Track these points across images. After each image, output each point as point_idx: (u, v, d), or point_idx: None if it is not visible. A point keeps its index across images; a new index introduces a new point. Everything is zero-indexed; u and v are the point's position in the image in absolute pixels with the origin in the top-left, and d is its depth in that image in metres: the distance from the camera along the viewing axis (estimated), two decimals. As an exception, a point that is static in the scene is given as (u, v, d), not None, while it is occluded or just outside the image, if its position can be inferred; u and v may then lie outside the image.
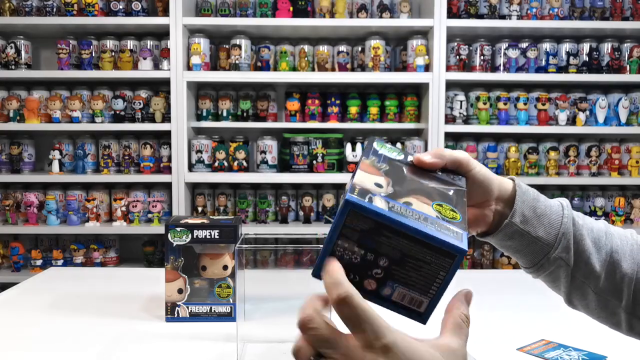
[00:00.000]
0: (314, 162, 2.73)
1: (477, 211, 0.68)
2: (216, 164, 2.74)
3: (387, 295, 0.53)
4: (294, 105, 2.79)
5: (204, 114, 2.82)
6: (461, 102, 2.77)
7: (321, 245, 0.60)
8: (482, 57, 2.80)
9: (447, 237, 0.50)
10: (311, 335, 0.47)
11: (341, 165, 2.78)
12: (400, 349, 0.47)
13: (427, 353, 0.48)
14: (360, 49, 2.84)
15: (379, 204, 0.50)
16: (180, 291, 1.01)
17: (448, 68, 2.75)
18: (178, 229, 0.99)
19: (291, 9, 2.71)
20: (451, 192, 0.60)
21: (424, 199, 0.55)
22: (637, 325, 0.69)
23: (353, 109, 2.79)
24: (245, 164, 2.76)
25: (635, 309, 0.69)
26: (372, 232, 0.50)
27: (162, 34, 2.76)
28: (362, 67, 2.83)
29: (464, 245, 0.50)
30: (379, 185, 0.54)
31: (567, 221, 0.68)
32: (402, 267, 0.51)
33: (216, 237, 0.99)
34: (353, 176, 0.55)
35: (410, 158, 0.64)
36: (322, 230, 2.64)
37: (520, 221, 0.68)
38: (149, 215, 2.78)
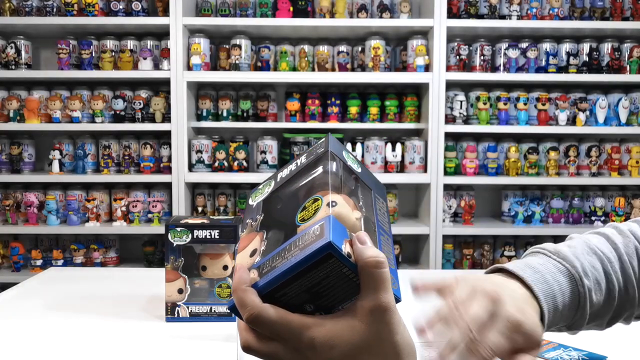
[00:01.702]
0: (314, 162, 2.72)
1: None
2: (216, 164, 2.74)
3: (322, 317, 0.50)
4: (294, 105, 2.79)
5: (204, 114, 2.82)
6: (461, 102, 2.77)
7: None
8: (482, 57, 2.80)
9: (307, 251, 0.46)
10: (258, 356, 0.50)
11: (341, 165, 2.78)
12: (322, 339, 0.47)
13: (348, 329, 0.47)
14: (360, 49, 2.84)
15: (254, 278, 0.49)
16: (180, 291, 1.01)
17: (448, 68, 2.75)
18: (178, 229, 0.99)
19: (291, 9, 2.71)
20: (320, 176, 0.55)
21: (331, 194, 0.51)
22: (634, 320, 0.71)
23: (353, 109, 2.79)
24: (245, 164, 2.76)
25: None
26: (272, 300, 0.48)
27: (162, 34, 2.76)
28: (362, 67, 2.83)
29: (324, 239, 0.46)
30: (253, 253, 0.52)
31: (585, 302, 0.65)
32: (322, 298, 0.49)
33: (216, 237, 0.99)
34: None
35: (279, 174, 0.60)
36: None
37: (547, 326, 0.63)
38: (149, 215, 2.78)
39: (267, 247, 0.51)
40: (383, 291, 0.47)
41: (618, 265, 0.69)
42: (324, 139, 0.61)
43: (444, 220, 2.73)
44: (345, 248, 0.47)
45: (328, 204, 0.50)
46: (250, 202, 0.60)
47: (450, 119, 2.79)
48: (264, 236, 0.53)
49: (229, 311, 1.01)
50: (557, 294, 0.64)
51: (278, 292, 0.48)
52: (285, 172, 0.60)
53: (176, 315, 1.01)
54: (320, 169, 0.56)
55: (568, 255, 0.66)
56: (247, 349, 0.50)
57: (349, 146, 2.73)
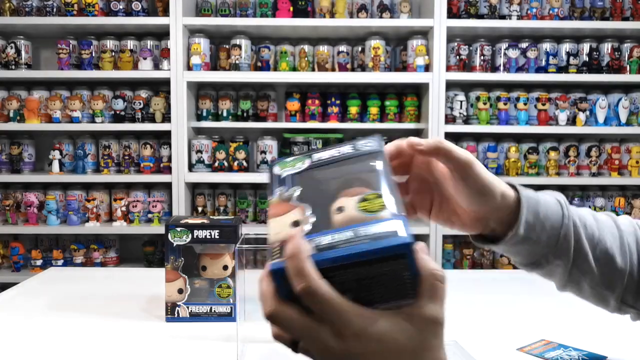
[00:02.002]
0: (314, 162, 2.72)
1: (476, 218, 0.66)
2: (216, 164, 2.74)
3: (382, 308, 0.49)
4: (294, 105, 2.79)
5: (204, 114, 2.82)
6: (461, 102, 2.77)
7: None
8: (482, 57, 2.80)
9: (382, 243, 0.45)
10: (282, 329, 0.47)
11: (341, 165, 2.78)
12: (370, 334, 0.45)
13: (399, 331, 0.46)
14: (360, 49, 2.84)
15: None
16: (180, 291, 1.00)
17: (448, 68, 2.74)
18: (178, 229, 0.99)
19: (291, 9, 2.71)
20: (371, 171, 0.55)
21: (351, 193, 0.51)
22: (624, 308, 0.73)
23: (353, 109, 2.79)
24: (245, 164, 2.76)
25: (625, 297, 0.72)
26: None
27: (162, 34, 2.76)
28: (362, 67, 2.83)
29: (405, 238, 0.46)
30: (296, 224, 0.50)
31: (568, 222, 0.69)
32: (367, 292, 0.47)
33: (216, 237, 0.99)
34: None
35: (316, 155, 0.59)
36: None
37: (525, 229, 0.67)
38: (149, 215, 2.78)
39: (318, 225, 0.49)
40: (441, 305, 0.47)
41: (613, 231, 0.72)
42: (373, 137, 0.62)
43: (444, 220, 2.72)
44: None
45: (395, 204, 0.50)
46: (276, 171, 0.58)
47: (450, 119, 2.79)
48: (308, 211, 0.51)
49: (228, 311, 1.01)
50: (540, 204, 0.67)
51: (331, 273, 0.46)
52: (324, 155, 0.59)
53: (176, 315, 1.01)
54: (373, 165, 0.56)
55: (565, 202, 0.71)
56: (275, 317, 0.47)
57: (349, 146, 2.72)
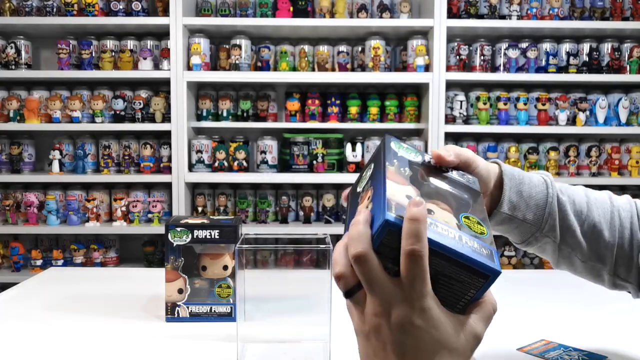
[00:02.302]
0: (314, 162, 2.73)
1: None
2: (216, 164, 2.74)
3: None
4: (294, 105, 2.79)
5: (204, 114, 2.82)
6: (461, 102, 2.77)
7: (320, 245, 0.69)
8: (482, 57, 2.80)
9: (482, 258, 0.49)
10: (362, 271, 0.48)
11: (341, 165, 2.78)
12: (435, 317, 0.48)
13: (453, 330, 0.49)
14: (360, 49, 2.84)
15: None
16: (180, 291, 1.00)
17: (448, 68, 2.74)
18: (178, 229, 0.99)
19: (291, 9, 2.71)
20: (467, 197, 0.59)
21: (444, 206, 0.54)
22: (619, 282, 0.77)
23: (353, 109, 2.79)
24: (245, 164, 2.76)
25: (617, 271, 0.76)
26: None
27: (162, 34, 2.76)
28: (362, 67, 2.83)
29: (497, 266, 0.49)
30: (409, 198, 0.52)
31: (552, 201, 0.73)
32: (433, 284, 0.49)
33: (216, 237, 0.99)
34: (379, 184, 0.53)
35: (426, 157, 0.63)
36: (322, 230, 2.64)
37: (509, 208, 0.72)
38: (149, 215, 2.78)
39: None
40: (486, 329, 0.51)
41: (604, 207, 0.75)
42: (475, 180, 0.65)
43: (444, 220, 2.72)
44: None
45: (492, 241, 0.53)
46: (393, 146, 0.61)
47: (450, 119, 2.79)
48: (419, 193, 0.54)
49: (228, 311, 1.01)
50: (524, 183, 0.72)
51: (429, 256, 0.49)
52: (432, 162, 0.63)
53: (176, 315, 1.01)
54: (474, 198, 0.60)
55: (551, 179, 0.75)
56: (364, 258, 0.48)
57: (349, 146, 2.72)
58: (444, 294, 0.50)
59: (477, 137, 2.87)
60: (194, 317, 1.01)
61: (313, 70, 2.83)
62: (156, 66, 2.78)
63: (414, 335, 0.48)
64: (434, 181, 0.59)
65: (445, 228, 0.50)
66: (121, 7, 2.70)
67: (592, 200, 0.76)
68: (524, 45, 2.81)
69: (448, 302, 0.51)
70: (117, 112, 2.77)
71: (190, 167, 2.76)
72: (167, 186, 2.75)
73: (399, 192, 0.52)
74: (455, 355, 0.49)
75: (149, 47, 2.78)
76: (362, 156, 2.76)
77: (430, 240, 0.48)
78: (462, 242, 0.50)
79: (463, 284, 0.50)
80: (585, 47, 2.84)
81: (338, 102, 2.81)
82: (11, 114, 2.76)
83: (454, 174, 0.63)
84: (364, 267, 0.48)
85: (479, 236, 0.52)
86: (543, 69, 2.80)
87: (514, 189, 0.72)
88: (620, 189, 2.89)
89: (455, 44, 2.80)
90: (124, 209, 2.75)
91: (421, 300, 0.48)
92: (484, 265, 0.49)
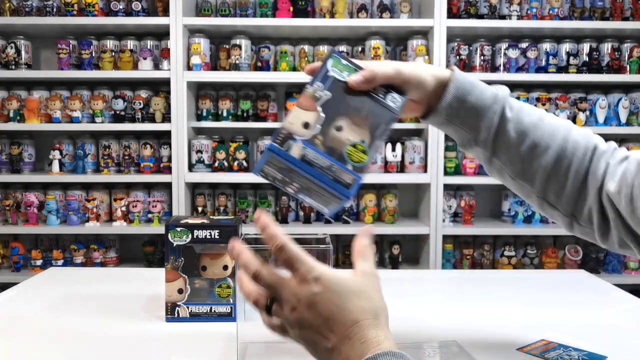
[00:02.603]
0: (314, 162, 2.72)
1: (416, 103, 0.79)
2: (216, 164, 2.74)
3: (301, 197, 0.72)
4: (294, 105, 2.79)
5: (204, 114, 2.82)
6: (461, 102, 2.77)
7: (320, 245, 0.81)
8: (482, 57, 2.80)
9: (338, 187, 0.67)
10: (262, 285, 0.62)
11: (341, 165, 2.78)
12: (328, 278, 0.60)
13: (350, 279, 0.61)
14: (360, 49, 2.84)
15: (295, 152, 0.67)
16: (180, 291, 1.00)
17: (448, 68, 2.74)
18: (178, 229, 0.99)
19: (291, 9, 2.71)
20: (378, 120, 0.72)
21: (358, 120, 0.70)
22: (547, 208, 0.80)
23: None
24: (245, 164, 2.76)
25: (547, 195, 0.79)
26: (287, 169, 0.68)
27: (162, 34, 2.76)
28: (362, 67, 2.83)
29: (348, 193, 0.67)
30: (306, 126, 0.69)
31: (493, 116, 0.77)
32: (308, 190, 0.69)
33: (216, 237, 0.99)
34: (290, 111, 0.70)
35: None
36: (322, 230, 2.64)
37: (447, 114, 0.78)
38: (149, 215, 2.78)
39: (320, 133, 0.69)
40: (372, 262, 0.65)
41: (556, 135, 0.77)
42: (403, 97, 0.77)
43: (444, 220, 2.73)
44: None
45: (367, 163, 0.69)
46: (328, 64, 0.74)
47: (450, 119, 2.79)
48: (320, 120, 0.70)
49: (228, 311, 1.01)
50: (472, 93, 0.77)
51: (294, 172, 0.68)
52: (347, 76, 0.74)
53: (176, 315, 1.01)
54: (384, 119, 0.72)
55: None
56: (259, 274, 0.62)
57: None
58: (316, 197, 0.70)
59: (477, 137, 2.87)
60: (194, 317, 1.01)
61: (313, 70, 2.82)
62: (156, 66, 2.78)
63: (322, 300, 0.59)
64: (355, 99, 0.72)
65: (316, 156, 0.67)
66: (121, 7, 2.70)
67: (544, 124, 0.78)
68: (524, 45, 2.81)
69: (322, 201, 0.70)
70: (117, 112, 2.77)
71: (190, 167, 2.75)
72: (167, 186, 2.75)
73: (300, 119, 0.69)
74: (363, 295, 0.61)
75: (149, 47, 2.78)
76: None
77: (298, 167, 0.66)
78: (329, 170, 0.67)
79: (327, 196, 0.69)
80: (585, 47, 2.84)
81: (338, 102, 2.81)
82: (11, 114, 2.76)
83: (379, 92, 0.73)
84: (262, 281, 0.62)
85: (354, 164, 0.68)
86: (543, 69, 2.80)
87: (459, 96, 0.77)
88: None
89: (455, 44, 2.81)
90: (124, 209, 2.75)
91: (309, 274, 0.60)
92: (335, 191, 0.67)
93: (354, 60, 0.76)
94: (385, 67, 0.74)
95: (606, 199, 0.75)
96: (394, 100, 0.74)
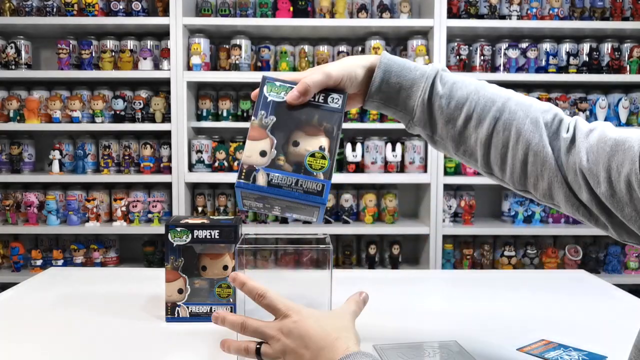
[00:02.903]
0: (314, 162, 2.72)
1: (355, 94, 0.82)
2: (216, 164, 2.74)
3: (288, 215, 0.79)
4: (294, 105, 2.79)
5: (204, 114, 2.82)
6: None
7: (320, 245, 0.81)
8: (482, 57, 2.81)
9: (311, 197, 0.72)
10: (250, 333, 0.74)
11: (341, 165, 2.79)
12: (305, 310, 0.73)
13: (324, 311, 0.75)
14: (360, 49, 2.84)
15: (260, 181, 0.72)
16: (180, 291, 1.00)
17: (448, 68, 2.73)
18: (178, 229, 0.99)
19: (291, 9, 2.71)
20: (328, 122, 0.76)
21: (311, 131, 0.74)
22: (498, 181, 0.80)
23: (353, 109, 2.79)
24: (245, 164, 2.75)
25: (491, 169, 0.78)
26: (261, 197, 0.74)
27: (162, 34, 2.76)
28: (362, 67, 2.83)
29: (322, 200, 0.72)
30: (263, 154, 0.73)
31: (421, 93, 0.78)
32: (289, 208, 0.75)
33: (216, 237, 0.99)
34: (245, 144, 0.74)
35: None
36: (322, 230, 2.64)
37: (379, 97, 0.80)
38: (149, 215, 2.78)
39: (274, 161, 0.73)
40: (353, 310, 0.79)
41: (491, 107, 0.76)
42: (342, 94, 0.79)
43: (444, 220, 2.73)
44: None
45: (330, 167, 0.74)
46: (265, 90, 0.77)
47: (450, 119, 2.79)
48: (274, 144, 0.74)
49: (228, 311, 1.01)
50: (401, 75, 0.79)
51: (268, 197, 0.73)
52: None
53: (176, 315, 1.01)
54: (332, 121, 0.76)
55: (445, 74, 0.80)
56: (244, 324, 0.74)
57: (349, 146, 2.72)
58: (298, 212, 0.76)
59: (477, 137, 2.87)
60: (194, 317, 1.01)
61: (313, 70, 2.82)
62: (156, 66, 2.78)
63: (299, 326, 0.70)
64: (301, 112, 0.76)
65: (281, 177, 0.72)
66: (121, 7, 2.70)
67: (479, 97, 0.76)
68: (524, 45, 2.81)
69: (305, 214, 0.77)
70: (117, 112, 2.77)
71: (190, 167, 2.76)
72: (167, 186, 2.75)
73: (256, 149, 0.73)
74: (335, 316, 0.74)
75: (149, 47, 2.78)
76: (362, 156, 2.76)
77: (269, 192, 0.72)
78: (297, 186, 0.72)
79: (307, 208, 0.74)
80: (585, 47, 2.84)
81: (338, 102, 2.81)
82: (11, 114, 2.76)
83: (319, 98, 0.77)
84: (248, 329, 0.74)
85: (318, 171, 0.73)
86: (543, 69, 2.80)
87: (386, 79, 0.79)
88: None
89: (455, 44, 2.81)
90: (124, 209, 2.75)
91: (288, 310, 0.72)
92: (311, 202, 0.72)
93: (285, 78, 0.79)
94: (315, 76, 0.76)
95: (574, 175, 0.70)
96: (334, 100, 0.77)
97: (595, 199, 0.69)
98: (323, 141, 0.74)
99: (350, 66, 0.79)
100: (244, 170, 0.72)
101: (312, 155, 0.73)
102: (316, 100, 0.77)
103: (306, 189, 0.72)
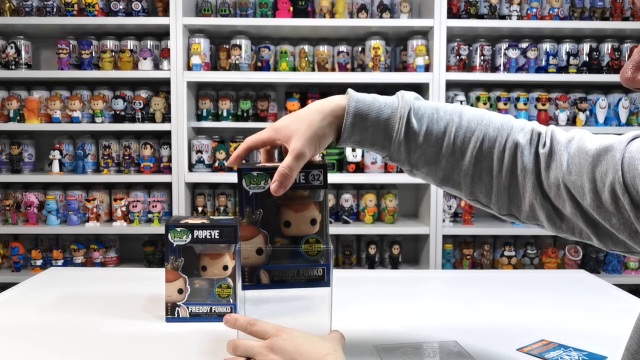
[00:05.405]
0: (314, 162, 2.73)
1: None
2: (216, 164, 2.74)
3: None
4: (294, 105, 2.79)
5: (204, 114, 2.82)
6: (461, 102, 2.77)
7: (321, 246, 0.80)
8: (482, 57, 2.81)
9: (313, 284, 0.75)
10: (241, 352, 0.77)
11: (341, 165, 2.79)
12: (294, 330, 0.75)
13: (312, 334, 0.76)
14: (360, 49, 2.84)
15: (264, 279, 0.76)
16: (180, 291, 1.00)
17: (448, 68, 2.74)
18: (178, 229, 0.99)
19: (291, 9, 2.71)
20: (314, 196, 0.77)
21: (298, 208, 0.75)
22: (484, 208, 0.79)
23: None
24: (245, 164, 2.75)
25: (476, 196, 0.77)
26: (268, 286, 0.77)
27: (162, 34, 2.76)
28: (362, 67, 2.83)
29: (326, 284, 0.76)
30: (259, 252, 0.75)
31: (396, 134, 0.76)
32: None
33: (216, 237, 0.99)
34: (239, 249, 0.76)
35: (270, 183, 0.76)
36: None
37: (353, 142, 0.78)
38: (149, 215, 2.78)
39: (273, 257, 0.75)
40: (336, 339, 0.81)
41: (470, 132, 0.76)
42: (320, 172, 0.78)
43: (444, 220, 2.73)
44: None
45: (327, 253, 0.77)
46: (244, 184, 0.76)
47: (450, 119, 2.78)
48: (267, 239, 0.75)
49: (228, 311, 1.01)
50: (369, 118, 0.76)
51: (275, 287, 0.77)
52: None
53: (176, 315, 1.01)
54: (318, 197, 0.77)
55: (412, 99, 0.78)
56: (237, 344, 0.78)
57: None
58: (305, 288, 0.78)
59: (477, 137, 2.87)
60: (194, 317, 1.01)
61: (313, 70, 2.83)
62: (156, 66, 2.78)
63: (288, 344, 0.73)
64: (285, 193, 0.74)
65: (283, 272, 0.75)
66: (121, 7, 2.70)
67: (458, 128, 0.76)
68: (524, 45, 2.81)
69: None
70: (117, 112, 2.77)
71: (190, 167, 2.76)
72: (167, 186, 2.75)
73: (250, 251, 0.75)
74: (324, 339, 0.76)
75: (149, 47, 2.78)
76: (362, 156, 2.76)
77: (275, 287, 0.76)
78: (298, 275, 0.75)
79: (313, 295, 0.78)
80: (585, 47, 2.84)
81: (338, 102, 2.81)
82: (11, 114, 2.76)
83: (301, 179, 0.76)
84: (243, 349, 0.77)
85: (314, 258, 0.75)
86: (543, 69, 2.80)
87: (358, 124, 0.76)
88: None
89: (455, 44, 2.81)
90: (124, 209, 2.75)
91: (278, 331, 0.75)
92: (315, 287, 0.76)
93: (258, 164, 0.79)
94: (290, 161, 0.74)
95: (557, 190, 0.71)
96: (315, 178, 0.77)
97: (581, 212, 0.70)
98: (313, 212, 0.76)
99: (315, 131, 0.76)
100: (246, 274, 0.76)
101: (307, 242, 0.76)
102: (298, 181, 0.76)
103: (308, 277, 0.75)
